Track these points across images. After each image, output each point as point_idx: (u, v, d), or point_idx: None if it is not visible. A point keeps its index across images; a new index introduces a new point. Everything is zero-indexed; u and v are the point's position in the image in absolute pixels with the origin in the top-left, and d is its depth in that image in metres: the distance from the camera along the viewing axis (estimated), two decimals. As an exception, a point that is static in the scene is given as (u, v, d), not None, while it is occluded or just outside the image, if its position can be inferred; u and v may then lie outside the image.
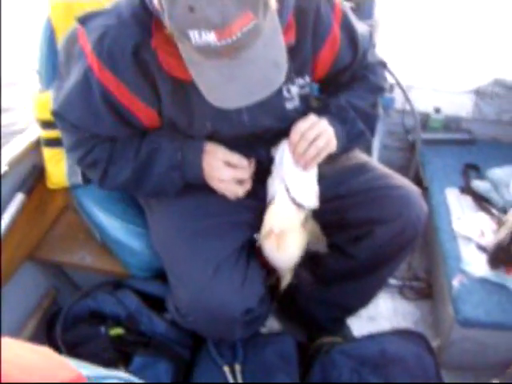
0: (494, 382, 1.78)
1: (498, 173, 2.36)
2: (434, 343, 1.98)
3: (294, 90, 1.51)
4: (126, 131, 1.50)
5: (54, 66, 1.84)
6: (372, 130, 1.65)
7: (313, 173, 1.48)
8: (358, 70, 1.62)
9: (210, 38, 1.04)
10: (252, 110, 1.38)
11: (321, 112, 1.53)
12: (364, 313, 2.04)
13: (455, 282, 1.87)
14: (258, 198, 1.56)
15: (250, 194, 1.55)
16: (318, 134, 1.43)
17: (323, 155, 1.46)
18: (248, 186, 1.52)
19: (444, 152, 2.70)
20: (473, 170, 2.53)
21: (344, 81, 1.64)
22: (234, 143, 1.54)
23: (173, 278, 1.59)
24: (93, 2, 1.79)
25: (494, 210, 2.21)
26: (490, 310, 1.80)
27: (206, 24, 1.03)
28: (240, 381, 1.63)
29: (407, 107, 2.65)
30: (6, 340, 0.66)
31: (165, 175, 1.51)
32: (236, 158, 1.49)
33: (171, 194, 1.57)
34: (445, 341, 1.99)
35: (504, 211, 2.17)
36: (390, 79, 2.56)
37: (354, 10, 2.49)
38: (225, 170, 1.48)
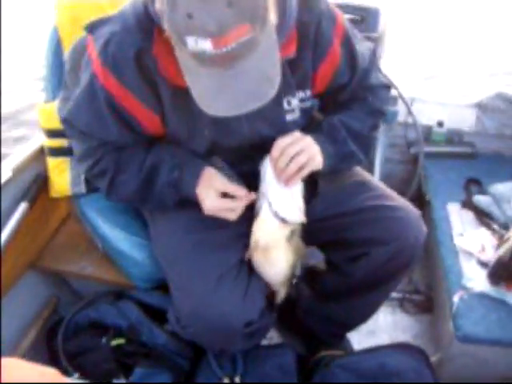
0: None
1: (499, 188, 2.37)
2: (434, 358, 1.97)
3: (295, 102, 1.52)
4: (131, 137, 1.52)
5: (59, 75, 1.86)
6: (366, 152, 1.65)
7: (296, 188, 1.48)
8: (357, 90, 1.63)
9: (206, 45, 1.08)
10: (252, 120, 1.41)
11: (312, 129, 1.55)
12: (364, 326, 2.03)
13: (456, 299, 1.87)
14: None
15: (252, 206, 1.56)
16: (299, 150, 1.43)
17: (305, 172, 1.45)
18: (239, 212, 1.48)
19: (446, 166, 2.71)
20: (475, 184, 2.53)
21: (343, 100, 1.65)
22: (234, 154, 1.56)
23: (174, 290, 1.60)
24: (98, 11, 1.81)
25: (495, 226, 2.21)
26: (489, 327, 1.79)
27: (202, 31, 1.06)
28: (240, 393, 1.63)
29: (410, 120, 2.67)
30: (15, 361, 0.66)
31: (163, 190, 1.52)
32: (233, 188, 1.47)
33: (170, 207, 1.57)
34: (444, 356, 1.98)
35: (505, 227, 2.17)
36: (393, 92, 2.58)
37: (359, 22, 2.52)
38: (215, 200, 1.46)
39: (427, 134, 2.86)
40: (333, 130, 1.57)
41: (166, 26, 1.14)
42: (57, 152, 1.94)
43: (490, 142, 2.85)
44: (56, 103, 1.74)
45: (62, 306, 2.21)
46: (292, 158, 1.42)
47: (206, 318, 1.48)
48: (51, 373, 0.70)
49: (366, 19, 2.53)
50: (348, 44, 1.53)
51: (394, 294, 2.43)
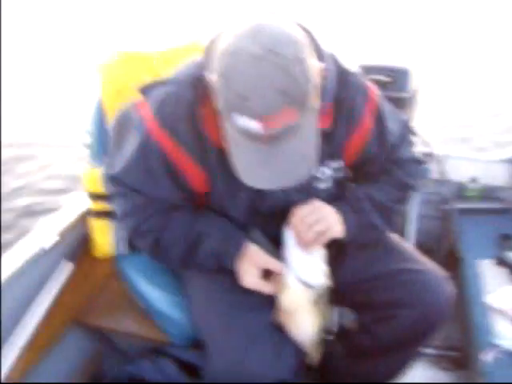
0: None
1: (532, 245, 2.37)
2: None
3: (328, 172, 1.61)
4: (180, 196, 1.59)
5: (104, 143, 1.97)
6: (390, 224, 1.71)
7: (318, 253, 1.53)
8: (386, 163, 1.70)
9: (254, 125, 1.18)
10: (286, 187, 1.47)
11: (337, 199, 1.62)
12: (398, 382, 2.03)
13: (486, 357, 1.88)
14: None
15: None
16: (317, 218, 1.51)
17: (323, 239, 1.52)
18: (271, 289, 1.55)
19: (480, 222, 2.72)
20: (509, 240, 2.54)
21: (371, 172, 1.72)
22: (267, 219, 1.63)
23: (209, 349, 1.64)
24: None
25: (528, 283, 2.22)
26: None
27: (253, 113, 1.16)
28: None
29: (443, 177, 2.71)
30: None
31: (205, 258, 1.58)
32: (274, 265, 1.53)
33: (207, 272, 1.65)
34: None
35: (538, 284, 2.18)
36: (426, 149, 2.63)
37: (389, 83, 2.60)
38: (254, 280, 1.53)
39: (461, 190, 2.88)
40: (356, 201, 1.64)
41: (216, 99, 1.25)
42: (101, 214, 2.04)
43: None
44: (101, 169, 1.86)
45: (105, 361, 2.27)
46: (310, 226, 1.49)
47: (240, 377, 1.53)
48: None
49: (395, 80, 2.60)
50: (379, 119, 1.61)
51: (429, 350, 2.43)
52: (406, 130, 1.74)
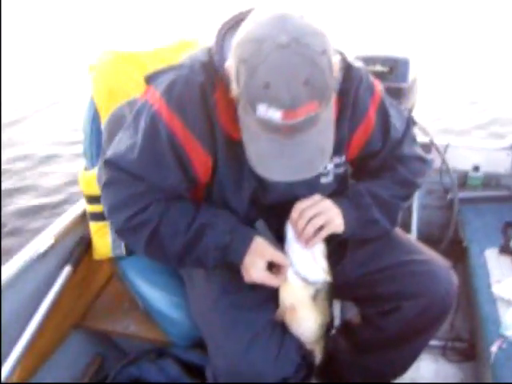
0: None
1: (537, 232, 2.35)
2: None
3: (330, 166, 1.59)
4: (184, 185, 1.53)
5: (98, 144, 1.96)
6: (392, 221, 1.68)
7: (318, 248, 1.52)
8: (388, 159, 1.68)
9: (276, 115, 1.16)
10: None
11: (338, 195, 1.60)
12: (405, 375, 2.01)
13: (494, 348, 1.85)
14: None
15: None
16: (316, 212, 1.49)
17: (323, 234, 1.50)
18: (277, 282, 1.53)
19: (484, 210, 2.70)
20: (513, 228, 2.52)
21: (373, 168, 1.70)
22: (269, 213, 1.61)
23: (211, 348, 1.63)
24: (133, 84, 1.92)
25: (534, 271, 2.19)
26: None
27: (276, 102, 1.14)
28: None
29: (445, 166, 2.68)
30: None
31: (207, 251, 1.51)
32: (281, 258, 1.50)
33: (208, 268, 1.60)
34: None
35: (544, 272, 2.15)
36: (427, 139, 2.60)
37: (388, 73, 2.56)
38: (262, 273, 1.49)
39: (463, 178, 2.86)
40: (357, 196, 1.61)
41: (234, 87, 1.23)
42: (98, 217, 2.01)
43: None
44: (95, 170, 1.84)
45: (107, 363, 2.27)
46: (309, 221, 1.47)
47: (242, 376, 1.52)
48: None
49: (395, 70, 2.57)
50: (383, 114, 1.60)
51: (435, 342, 2.41)
52: (410, 127, 1.72)
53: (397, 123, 1.65)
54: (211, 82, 1.40)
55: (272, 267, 1.52)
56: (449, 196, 2.85)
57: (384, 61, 2.57)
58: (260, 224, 1.61)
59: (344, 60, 1.49)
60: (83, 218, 2.10)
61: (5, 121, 6.65)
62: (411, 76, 2.63)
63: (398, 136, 1.66)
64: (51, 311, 1.90)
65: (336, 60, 1.23)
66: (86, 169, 2.04)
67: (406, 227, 2.72)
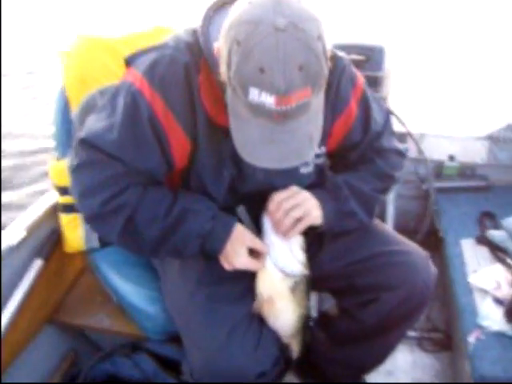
0: None
1: (513, 222, 2.35)
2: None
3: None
4: (163, 168, 1.46)
5: (68, 134, 1.90)
6: (370, 213, 1.67)
7: (295, 241, 1.50)
8: (367, 151, 1.67)
9: (269, 100, 1.12)
10: (267, 169, 1.39)
11: (316, 186, 1.58)
12: (382, 366, 2.00)
13: (471, 338, 1.85)
14: None
15: None
16: (294, 204, 1.47)
17: (301, 226, 1.48)
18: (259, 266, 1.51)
19: (460, 200, 2.70)
20: (489, 217, 2.52)
21: (352, 160, 1.68)
22: (246, 200, 1.58)
23: (187, 343, 1.60)
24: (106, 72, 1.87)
25: (510, 261, 2.19)
26: (507, 366, 1.76)
27: (270, 87, 1.10)
28: None
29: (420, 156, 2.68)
30: None
31: (187, 239, 1.45)
32: (261, 245, 1.48)
33: (185, 258, 1.54)
34: (464, 396, 1.95)
35: (520, 261, 2.15)
36: (402, 128, 2.59)
37: (364, 62, 2.55)
38: (246, 259, 1.47)
39: (439, 168, 2.86)
40: (335, 188, 1.59)
41: (223, 71, 1.19)
42: (70, 208, 1.96)
43: (503, 173, 2.84)
44: (66, 161, 1.78)
45: (80, 358, 2.22)
46: (287, 212, 1.45)
47: (219, 371, 1.49)
48: None
49: (370, 58, 2.56)
50: (364, 106, 1.59)
51: (412, 333, 2.42)
52: (389, 120, 1.71)
53: (377, 116, 1.63)
54: (196, 63, 1.36)
55: (250, 254, 1.49)
56: (424, 186, 2.85)
57: (360, 49, 2.57)
58: (241, 210, 1.58)
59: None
60: (54, 210, 2.05)
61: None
62: (386, 65, 2.62)
63: (378, 129, 1.64)
64: (23, 306, 1.85)
65: (330, 47, 1.20)
66: (57, 159, 1.98)
67: (382, 217, 2.72)
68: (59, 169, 1.93)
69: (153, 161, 1.42)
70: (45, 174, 4.69)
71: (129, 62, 1.45)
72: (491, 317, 1.93)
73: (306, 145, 1.26)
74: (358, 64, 2.44)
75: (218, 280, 1.59)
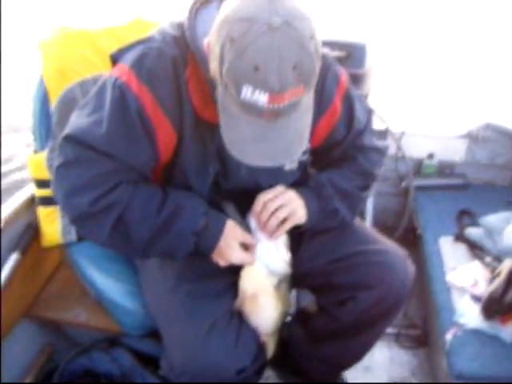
0: None
1: (491, 220, 2.37)
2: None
3: None
4: (152, 163, 1.44)
5: (47, 126, 1.87)
6: (353, 211, 1.69)
7: (281, 240, 1.52)
8: (349, 149, 1.67)
9: (262, 98, 1.12)
10: (251, 165, 1.36)
11: (299, 185, 1.58)
12: (359, 362, 2.02)
13: (448, 335, 1.86)
14: None
15: None
16: (280, 204, 1.48)
17: (287, 226, 1.50)
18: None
19: (438, 198, 2.72)
20: (467, 215, 2.54)
21: (334, 157, 1.69)
22: (230, 197, 1.57)
23: (166, 339, 1.59)
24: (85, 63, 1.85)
25: (487, 258, 2.22)
26: (484, 363, 1.78)
27: (264, 85, 1.10)
28: None
29: (400, 154, 2.69)
30: None
31: (180, 237, 1.43)
32: (250, 239, 1.50)
33: (178, 258, 1.50)
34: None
35: (498, 259, 2.17)
36: (382, 126, 2.60)
37: (345, 58, 2.55)
38: (240, 253, 1.48)
39: (418, 166, 2.88)
40: (319, 186, 1.60)
41: (215, 65, 1.17)
42: (47, 201, 1.94)
43: (481, 172, 2.87)
44: (45, 153, 1.76)
45: (57, 353, 2.19)
46: (273, 213, 1.46)
47: (199, 367, 1.48)
48: None
49: (352, 55, 2.55)
50: (348, 104, 1.59)
51: (389, 329, 2.41)
52: (371, 118, 1.72)
53: (360, 115, 1.63)
54: (183, 57, 1.35)
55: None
56: (404, 183, 2.87)
57: (341, 46, 2.55)
58: (229, 206, 1.56)
59: None
60: (31, 203, 2.02)
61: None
62: (368, 62, 2.62)
63: (360, 127, 1.65)
64: None
65: (320, 45, 1.19)
66: (35, 151, 1.95)
67: (361, 214, 2.73)
68: (37, 161, 1.90)
69: (144, 155, 1.40)
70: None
71: (115, 58, 1.43)
72: (468, 314, 1.95)
73: (295, 142, 1.26)
74: (339, 61, 2.45)
75: (198, 276, 1.59)
